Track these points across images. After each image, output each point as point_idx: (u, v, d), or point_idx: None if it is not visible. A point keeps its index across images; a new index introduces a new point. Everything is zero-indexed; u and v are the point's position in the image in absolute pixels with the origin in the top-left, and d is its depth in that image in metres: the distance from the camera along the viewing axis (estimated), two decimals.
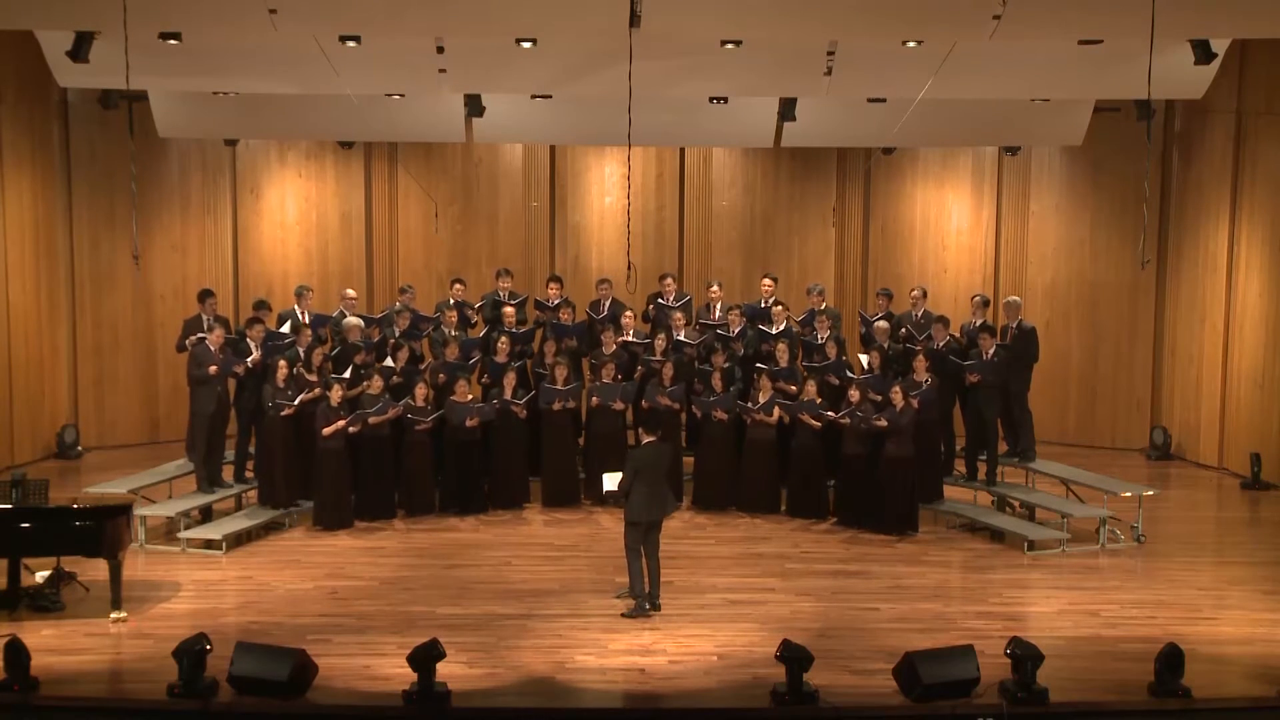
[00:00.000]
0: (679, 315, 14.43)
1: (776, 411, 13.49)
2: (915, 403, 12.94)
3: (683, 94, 13.68)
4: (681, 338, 14.30)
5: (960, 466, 14.32)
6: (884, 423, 12.83)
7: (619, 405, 13.68)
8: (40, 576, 11.14)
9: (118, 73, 11.00)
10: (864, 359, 13.98)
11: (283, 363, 13.03)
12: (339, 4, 11.19)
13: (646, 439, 10.89)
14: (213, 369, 13.10)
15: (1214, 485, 15.33)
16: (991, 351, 13.65)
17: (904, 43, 12.12)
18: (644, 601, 10.69)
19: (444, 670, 9.07)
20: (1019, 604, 11.26)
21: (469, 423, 13.42)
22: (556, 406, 13.73)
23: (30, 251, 15.49)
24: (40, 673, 9.20)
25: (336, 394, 12.96)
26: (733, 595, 11.26)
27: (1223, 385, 15.71)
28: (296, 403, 12.90)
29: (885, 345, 13.96)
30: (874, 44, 12.44)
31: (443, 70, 12.87)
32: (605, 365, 13.76)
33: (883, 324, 14.20)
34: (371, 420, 13.05)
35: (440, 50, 12.56)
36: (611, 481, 11.07)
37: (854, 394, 13.16)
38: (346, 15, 11.37)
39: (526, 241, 17.45)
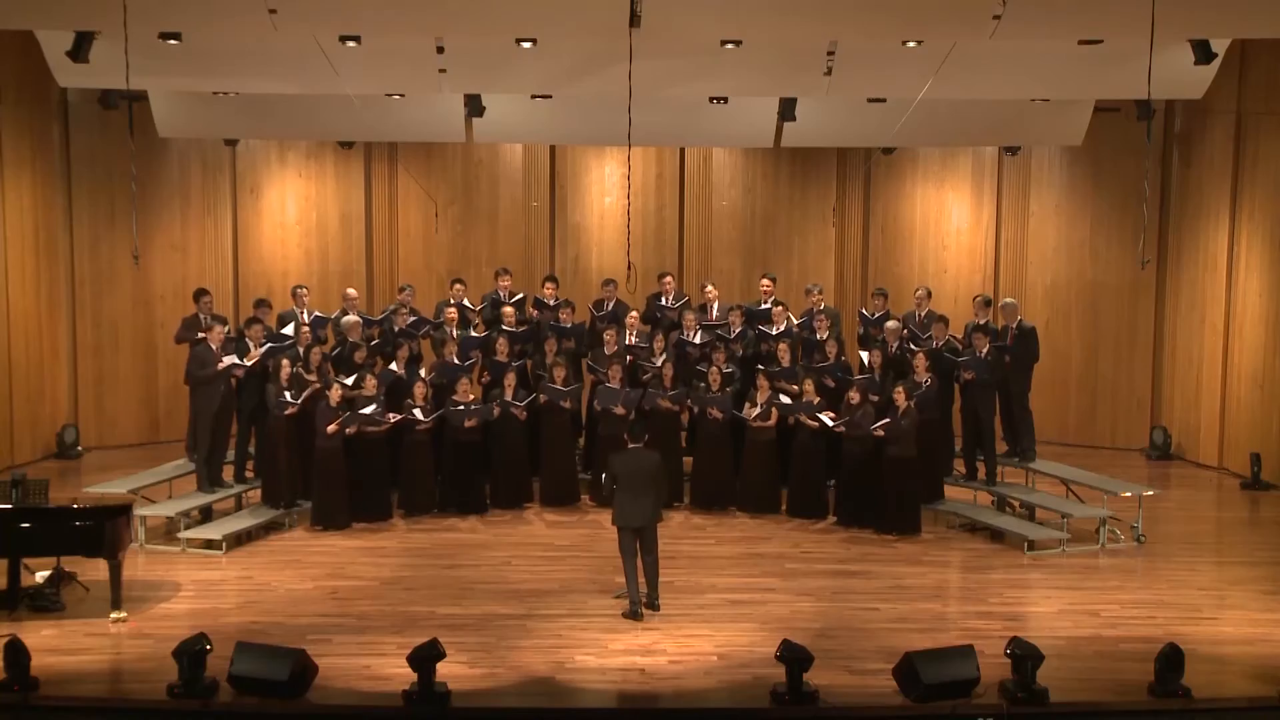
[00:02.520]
0: (691, 316, 14.40)
1: (774, 417, 13.48)
2: (913, 404, 12.93)
3: (683, 94, 13.68)
4: (692, 338, 14.29)
5: (960, 466, 14.32)
6: (882, 433, 12.83)
7: (620, 410, 13.65)
8: (40, 576, 11.13)
9: (118, 73, 11.00)
10: (864, 355, 13.97)
11: (285, 362, 13.04)
12: (339, 4, 11.18)
13: (631, 445, 10.89)
14: (221, 364, 13.04)
15: (1214, 485, 15.33)
16: (985, 350, 13.65)
17: (904, 43, 12.12)
18: (636, 606, 10.67)
19: (444, 670, 9.06)
20: (1019, 604, 11.25)
21: (467, 423, 13.41)
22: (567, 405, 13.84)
23: (30, 251, 15.49)
24: (40, 673, 9.19)
25: (336, 394, 12.95)
26: (733, 595, 11.25)
27: (1223, 385, 15.71)
28: (300, 400, 12.90)
29: (895, 345, 13.97)
30: (874, 44, 12.43)
31: (443, 70, 12.87)
32: (611, 368, 13.73)
33: (894, 324, 14.17)
34: (368, 429, 13.03)
35: (440, 50, 12.57)
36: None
37: (854, 395, 13.15)
38: (346, 15, 11.37)
39: (526, 241, 17.45)
